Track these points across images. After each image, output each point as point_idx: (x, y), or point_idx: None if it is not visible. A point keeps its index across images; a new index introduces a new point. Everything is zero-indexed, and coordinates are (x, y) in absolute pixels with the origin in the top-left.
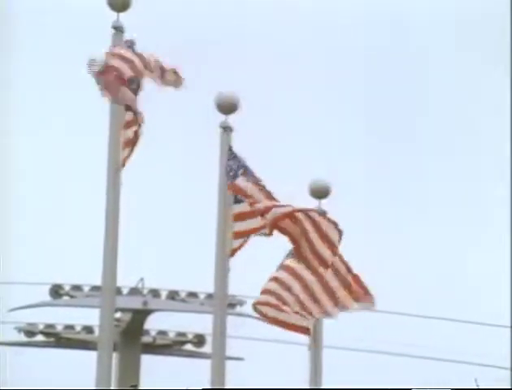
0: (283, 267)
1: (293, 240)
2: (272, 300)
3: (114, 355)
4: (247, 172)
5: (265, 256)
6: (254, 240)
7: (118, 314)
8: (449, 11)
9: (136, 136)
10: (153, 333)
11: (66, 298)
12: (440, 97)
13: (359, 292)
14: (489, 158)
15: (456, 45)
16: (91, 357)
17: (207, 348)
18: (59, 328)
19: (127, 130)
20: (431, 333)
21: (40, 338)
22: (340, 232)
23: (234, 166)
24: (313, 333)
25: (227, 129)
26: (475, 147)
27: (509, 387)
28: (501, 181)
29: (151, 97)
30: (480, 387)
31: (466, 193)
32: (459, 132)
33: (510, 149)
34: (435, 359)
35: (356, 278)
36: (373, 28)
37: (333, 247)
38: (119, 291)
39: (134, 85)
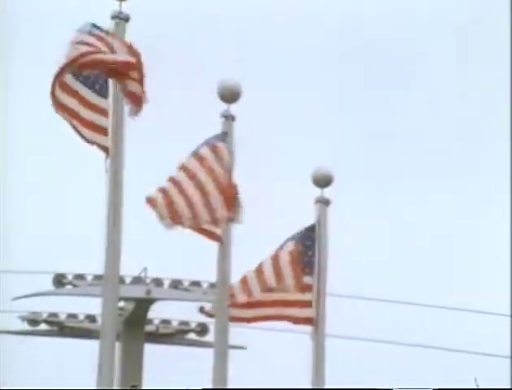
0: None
1: None
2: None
3: (117, 344)
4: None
5: (267, 244)
6: (259, 232)
7: (121, 303)
8: (449, 11)
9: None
10: (156, 322)
11: (69, 287)
12: (440, 97)
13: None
14: (489, 158)
15: (456, 45)
16: (94, 345)
17: (210, 337)
18: (62, 317)
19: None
20: (431, 322)
21: (43, 327)
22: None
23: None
24: (315, 322)
25: (229, 118)
26: (474, 147)
27: (509, 386)
28: (500, 181)
29: (153, 89)
30: (480, 388)
31: (466, 187)
32: (459, 132)
33: (510, 149)
34: (435, 348)
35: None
36: (373, 27)
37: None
38: (122, 280)
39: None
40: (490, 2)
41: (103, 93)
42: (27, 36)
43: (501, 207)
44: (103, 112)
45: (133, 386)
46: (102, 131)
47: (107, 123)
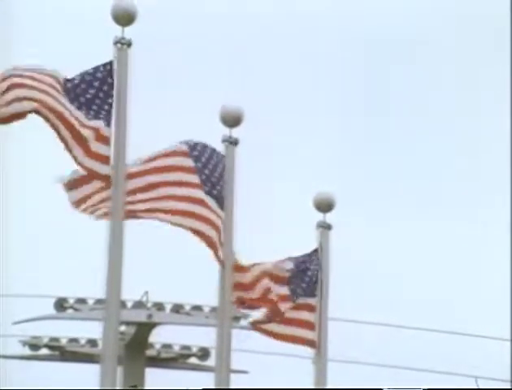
0: None
1: None
2: None
3: (119, 369)
4: None
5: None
6: (261, 258)
7: (122, 328)
8: (449, 11)
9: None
10: (157, 346)
11: (70, 311)
12: (440, 98)
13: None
14: (489, 158)
15: (456, 44)
16: (96, 370)
17: (212, 362)
18: (64, 341)
19: None
20: (436, 346)
21: (44, 351)
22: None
23: None
24: (317, 346)
25: (231, 142)
26: (475, 147)
27: (509, 387)
28: (501, 182)
29: (154, 113)
30: (481, 388)
31: (469, 209)
32: (459, 132)
33: (510, 148)
34: (439, 372)
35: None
36: (373, 29)
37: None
38: (123, 304)
39: None
40: (490, 2)
41: (101, 117)
42: (28, 53)
43: (501, 225)
44: (104, 140)
45: (133, 386)
46: (103, 158)
47: (108, 150)
